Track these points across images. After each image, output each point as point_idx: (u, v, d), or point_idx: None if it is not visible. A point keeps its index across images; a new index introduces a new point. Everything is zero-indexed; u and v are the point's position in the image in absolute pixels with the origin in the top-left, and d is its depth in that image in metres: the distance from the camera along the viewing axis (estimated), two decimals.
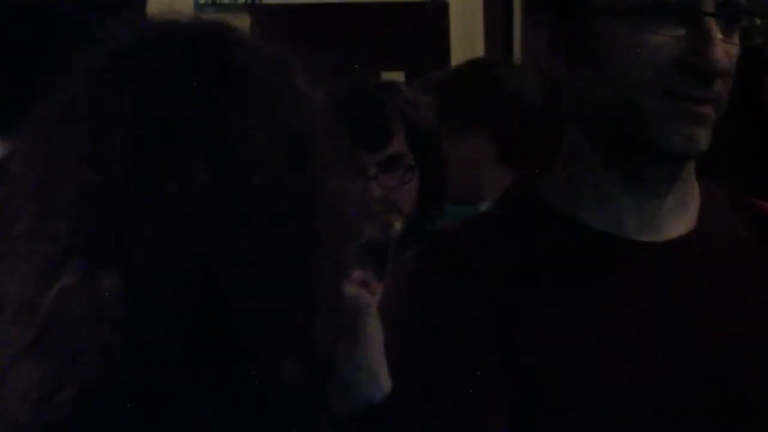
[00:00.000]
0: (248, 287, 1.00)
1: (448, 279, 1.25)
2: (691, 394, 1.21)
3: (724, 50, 1.19)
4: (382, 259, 2.11)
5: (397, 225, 2.20)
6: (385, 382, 1.16)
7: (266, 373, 1.00)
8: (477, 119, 2.44)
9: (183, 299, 0.99)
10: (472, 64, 2.60)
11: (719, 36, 1.18)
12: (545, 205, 1.29)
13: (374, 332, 1.15)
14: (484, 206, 3.86)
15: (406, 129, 2.23)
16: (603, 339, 1.21)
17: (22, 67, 1.30)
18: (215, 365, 1.00)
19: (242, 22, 1.12)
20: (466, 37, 5.61)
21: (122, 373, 0.99)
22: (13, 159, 1.07)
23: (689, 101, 1.20)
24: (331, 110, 1.95)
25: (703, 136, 1.21)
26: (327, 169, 1.08)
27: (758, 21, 1.22)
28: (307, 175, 1.06)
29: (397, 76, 5.03)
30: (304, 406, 1.03)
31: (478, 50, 5.35)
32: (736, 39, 1.21)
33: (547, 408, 1.19)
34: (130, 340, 0.99)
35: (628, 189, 1.26)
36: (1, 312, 1.02)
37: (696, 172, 1.31)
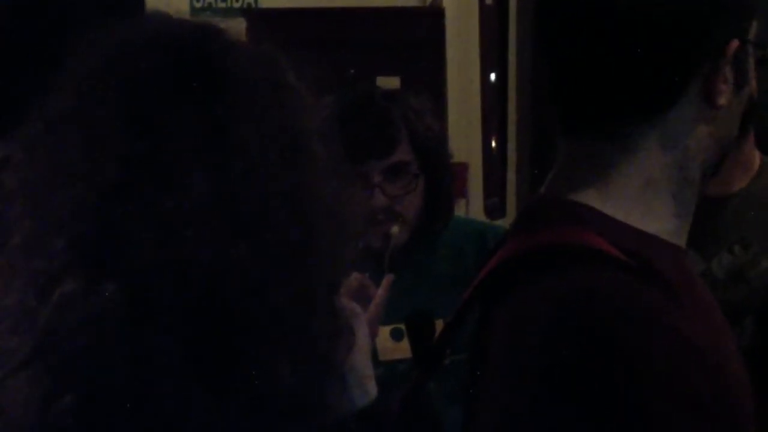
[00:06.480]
0: (247, 291, 1.00)
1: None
2: None
3: None
4: (382, 266, 2.08)
5: (395, 229, 2.16)
6: (372, 389, 1.17)
7: (265, 374, 1.00)
8: None
9: (182, 305, 0.99)
10: None
11: None
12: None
13: (362, 340, 1.15)
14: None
15: (411, 137, 2.19)
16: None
17: (18, 68, 1.29)
18: (215, 369, 1.00)
19: (238, 26, 1.11)
20: (462, 44, 5.59)
21: (122, 379, 0.98)
22: (4, 170, 1.05)
23: None
24: (335, 117, 1.93)
25: None
26: (322, 169, 1.07)
27: None
28: (301, 175, 1.05)
29: (393, 82, 5.02)
30: (302, 407, 1.02)
31: (474, 56, 5.34)
32: None
33: None
34: (129, 346, 0.98)
35: None
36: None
37: None
